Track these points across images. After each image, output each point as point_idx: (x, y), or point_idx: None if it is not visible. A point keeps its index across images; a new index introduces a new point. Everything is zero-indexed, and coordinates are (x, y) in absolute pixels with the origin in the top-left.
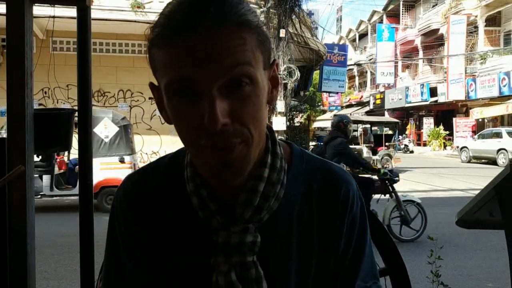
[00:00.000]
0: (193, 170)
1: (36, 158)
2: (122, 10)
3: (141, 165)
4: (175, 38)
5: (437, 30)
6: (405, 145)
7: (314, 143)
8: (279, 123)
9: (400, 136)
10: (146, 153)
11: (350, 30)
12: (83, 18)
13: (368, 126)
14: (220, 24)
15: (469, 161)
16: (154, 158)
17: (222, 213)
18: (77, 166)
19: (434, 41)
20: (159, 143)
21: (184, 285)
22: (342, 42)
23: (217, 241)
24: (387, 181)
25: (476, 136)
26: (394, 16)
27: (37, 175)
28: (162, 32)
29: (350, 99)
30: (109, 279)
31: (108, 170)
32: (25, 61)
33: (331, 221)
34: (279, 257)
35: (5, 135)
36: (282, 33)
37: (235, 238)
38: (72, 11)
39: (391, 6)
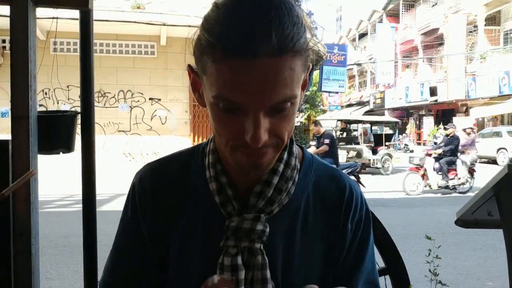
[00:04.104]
0: (215, 158)
1: None
2: (122, 11)
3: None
4: (229, 58)
5: (437, 29)
6: (405, 144)
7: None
8: None
9: (400, 136)
10: (147, 154)
11: (350, 30)
12: (86, 20)
13: (368, 126)
14: (279, 52)
15: None
16: (154, 158)
17: (237, 200)
18: None
19: (434, 40)
20: (160, 143)
21: (191, 264)
22: (342, 41)
23: (229, 226)
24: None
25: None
26: (394, 15)
27: None
28: (215, 46)
29: (350, 98)
30: (116, 257)
31: None
32: (29, 64)
33: (335, 222)
34: (284, 250)
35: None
36: None
37: (247, 224)
38: (73, 12)
39: (390, 6)
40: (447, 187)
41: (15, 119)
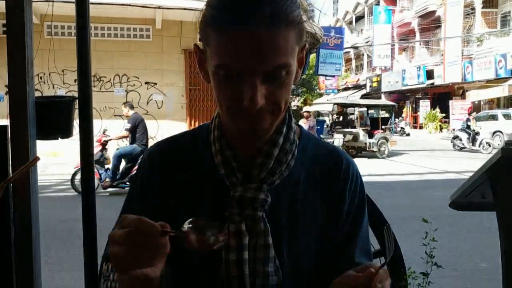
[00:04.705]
0: (220, 133)
1: None
2: None
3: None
4: (228, 27)
5: (434, 12)
6: (402, 128)
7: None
8: None
9: (397, 119)
10: None
11: (347, 12)
12: (82, 3)
13: (364, 109)
14: (271, 21)
15: None
16: (151, 143)
17: (240, 171)
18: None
19: (431, 23)
20: (156, 127)
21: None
22: (338, 24)
23: (233, 196)
24: None
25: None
26: None
27: None
28: (217, 17)
29: (346, 82)
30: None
31: None
32: (26, 49)
33: (332, 193)
34: (284, 218)
35: None
36: None
37: (250, 193)
38: None
39: None
40: None
41: (14, 105)
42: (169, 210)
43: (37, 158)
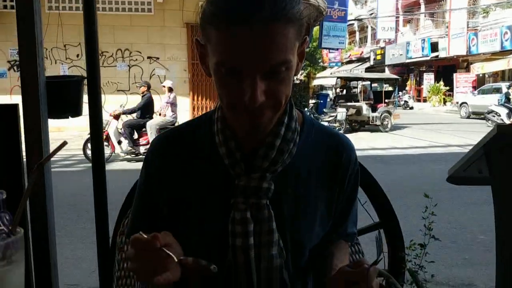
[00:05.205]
0: (223, 125)
1: None
2: None
3: None
4: (228, 24)
5: None
6: (405, 101)
7: (313, 101)
8: None
9: (400, 93)
10: None
11: None
12: None
13: (368, 83)
14: (271, 19)
15: (468, 117)
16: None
17: (244, 162)
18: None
19: None
20: (159, 102)
21: (206, 221)
22: None
23: (238, 185)
24: None
25: (476, 92)
26: None
27: None
28: (217, 15)
29: (350, 55)
30: (137, 214)
31: None
32: (35, 30)
33: (334, 177)
34: (287, 203)
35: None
36: None
37: (253, 183)
38: None
39: None
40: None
41: (25, 86)
42: (179, 201)
43: (65, 142)
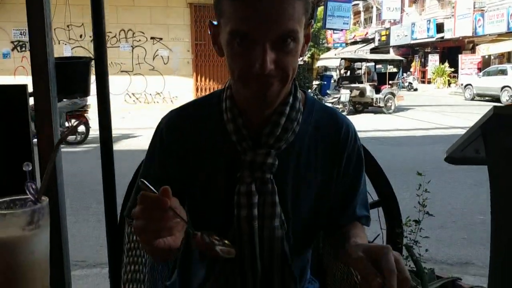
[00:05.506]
0: (231, 103)
1: None
2: None
3: (144, 105)
4: None
5: None
6: (409, 83)
7: (317, 82)
8: None
9: (404, 74)
10: (150, 94)
11: None
12: None
13: (372, 64)
14: None
15: (472, 99)
16: (158, 98)
17: (251, 138)
18: None
19: None
20: (162, 83)
21: (214, 193)
22: None
23: (244, 160)
24: None
25: (481, 73)
26: None
27: None
28: None
29: (355, 36)
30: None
31: None
32: (44, 12)
33: (333, 154)
34: (289, 179)
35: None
36: None
37: (259, 158)
38: None
39: None
40: None
41: (35, 66)
42: (186, 173)
43: (84, 118)
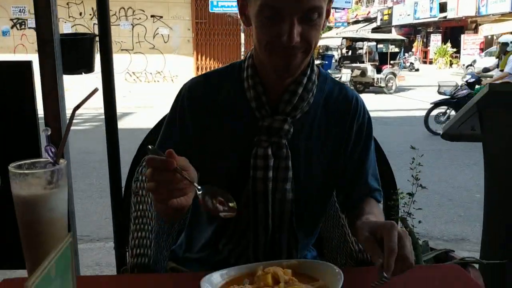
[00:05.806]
0: (253, 71)
1: None
2: None
3: (144, 84)
4: None
5: None
6: (411, 63)
7: (318, 62)
8: None
9: (406, 54)
10: (151, 73)
11: None
12: None
13: (373, 44)
14: None
15: None
16: (158, 77)
17: (269, 105)
18: None
19: None
20: (163, 62)
21: (231, 155)
22: None
23: (262, 125)
24: None
25: (483, 54)
26: None
27: None
28: None
29: (357, 15)
30: (164, 140)
31: None
32: None
33: (343, 125)
34: (302, 146)
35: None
36: None
37: (276, 124)
38: None
39: None
40: None
41: (41, 42)
42: (205, 136)
43: (97, 89)
